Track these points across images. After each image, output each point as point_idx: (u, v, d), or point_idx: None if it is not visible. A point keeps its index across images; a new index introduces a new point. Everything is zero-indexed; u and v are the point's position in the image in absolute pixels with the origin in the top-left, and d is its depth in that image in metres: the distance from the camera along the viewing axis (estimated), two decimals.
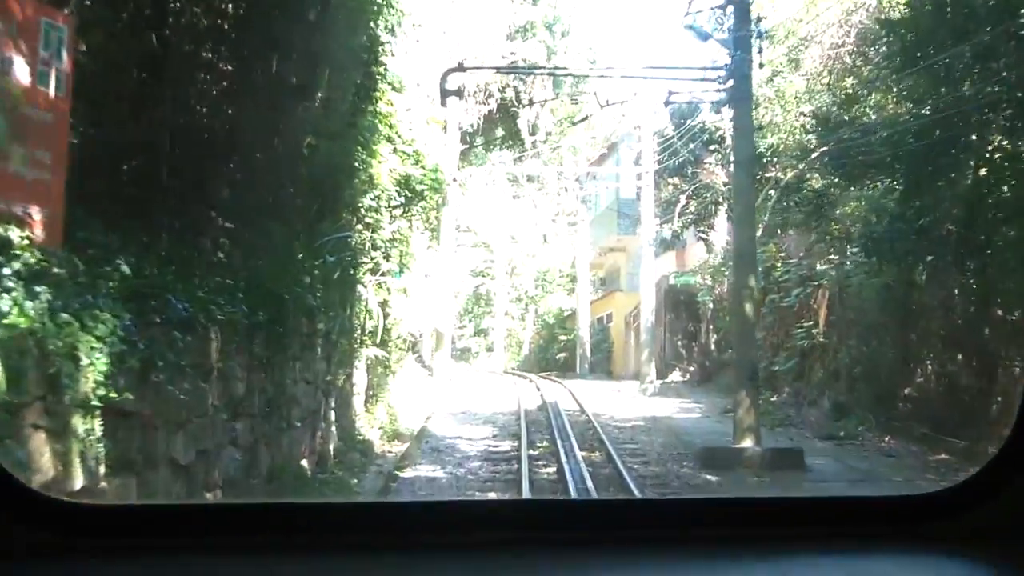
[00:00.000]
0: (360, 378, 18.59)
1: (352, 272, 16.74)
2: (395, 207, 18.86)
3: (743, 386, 15.68)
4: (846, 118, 19.09)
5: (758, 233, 29.31)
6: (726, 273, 29.02)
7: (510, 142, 33.45)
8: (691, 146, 32.82)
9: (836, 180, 20.14)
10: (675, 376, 34.31)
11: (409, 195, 19.01)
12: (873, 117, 18.30)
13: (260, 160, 12.47)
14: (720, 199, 31.22)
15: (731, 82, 15.87)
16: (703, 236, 34.27)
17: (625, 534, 2.26)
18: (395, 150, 18.78)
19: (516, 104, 31.65)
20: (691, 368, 34.20)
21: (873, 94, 18.55)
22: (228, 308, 10.12)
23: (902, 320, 16.82)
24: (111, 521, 2.33)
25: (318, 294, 14.12)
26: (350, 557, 2.13)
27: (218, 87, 12.02)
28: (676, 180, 33.70)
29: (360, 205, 17.53)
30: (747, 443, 15.39)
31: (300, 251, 13.69)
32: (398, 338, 25.46)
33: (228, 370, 10.15)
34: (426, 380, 29.00)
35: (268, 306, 11.45)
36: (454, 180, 28.21)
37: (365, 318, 18.13)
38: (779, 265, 23.98)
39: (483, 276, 66.09)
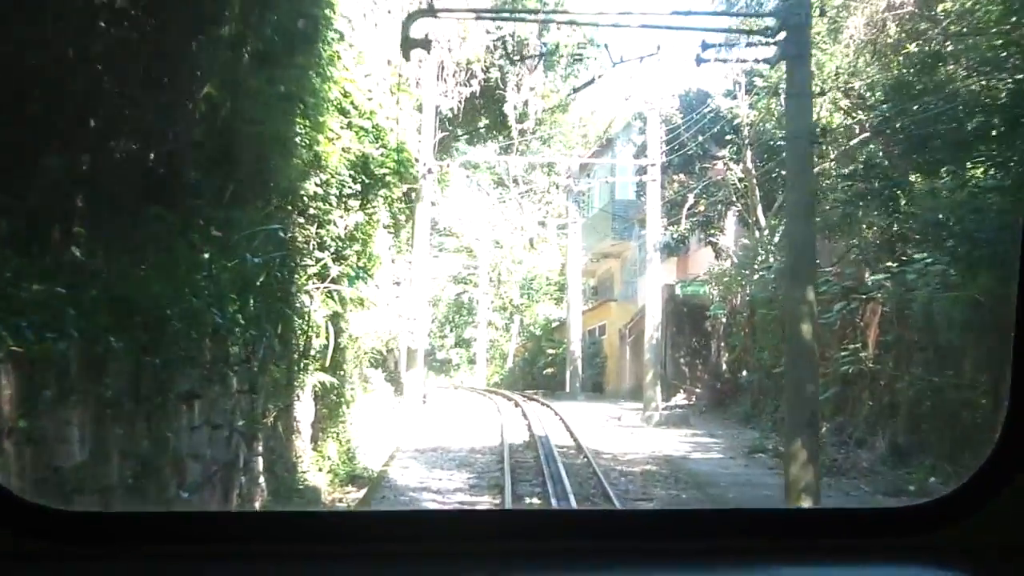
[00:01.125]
0: (305, 411, 14.97)
1: (287, 278, 13.08)
2: (349, 196, 15.20)
3: (797, 433, 12.03)
4: (924, 86, 15.48)
5: (775, 237, 25.89)
6: (742, 283, 25.45)
7: (495, 132, 29.78)
8: (699, 139, 29.29)
9: (905, 164, 16.49)
10: (679, 399, 30.73)
11: (367, 181, 15.37)
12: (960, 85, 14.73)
13: (135, 116, 8.80)
14: (734, 197, 27.67)
15: (783, 34, 12.27)
16: (712, 240, 30.69)
17: (607, 545, 2.29)
18: (349, 124, 15.15)
19: (502, 87, 27.99)
20: (697, 390, 30.59)
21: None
22: (47, 332, 6.55)
23: (992, 345, 13.23)
24: (96, 527, 2.37)
25: (233, 308, 10.50)
26: (333, 566, 2.16)
27: (69, 4, 8.37)
28: (682, 177, 30.10)
29: (301, 192, 13.88)
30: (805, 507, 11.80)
31: (202, 248, 10.02)
32: (361, 356, 21.91)
33: (41, 431, 6.54)
34: (396, 404, 25.30)
35: (132, 326, 7.82)
36: (429, 171, 24.55)
37: (308, 337, 14.48)
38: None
39: (465, 283, 62.46)
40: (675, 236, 30.01)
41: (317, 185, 14.11)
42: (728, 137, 27.03)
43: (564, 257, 55.78)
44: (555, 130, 37.22)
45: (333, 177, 14.59)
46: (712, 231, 30.02)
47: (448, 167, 24.40)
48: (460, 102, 26.79)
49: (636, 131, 33.66)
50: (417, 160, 24.73)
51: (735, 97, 26.90)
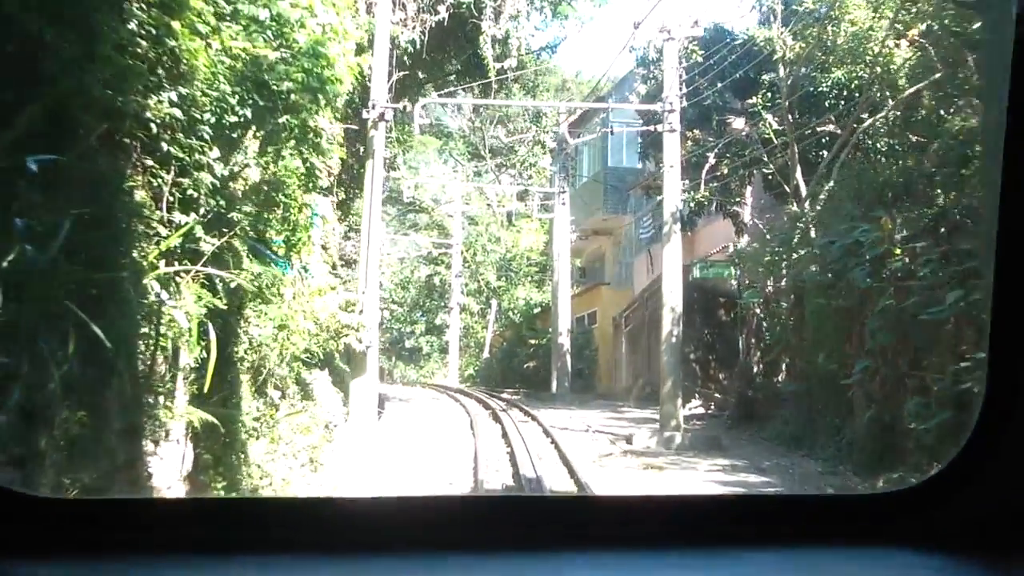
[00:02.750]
0: (166, 466, 9.67)
1: (110, 254, 7.76)
2: (234, 127, 9.81)
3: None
4: None
5: (828, 203, 20.70)
6: (786, 262, 20.23)
7: (468, 79, 24.31)
8: (719, 85, 24.02)
9: None
10: (693, 406, 25.56)
11: (263, 104, 10.01)
12: None
13: None
14: (766, 157, 22.41)
15: None
16: (733, 211, 25.43)
17: (588, 531, 2.30)
18: (234, 14, 9.75)
19: (476, 15, 22.50)
20: (716, 396, 25.40)
21: None
22: None
23: None
24: (82, 515, 2.40)
25: None
26: (317, 555, 2.16)
27: None
28: (696, 133, 24.80)
29: (148, 115, 8.50)
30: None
31: None
32: (274, 368, 16.58)
33: None
34: (342, 421, 19.96)
35: None
36: (382, 117, 19.11)
37: (167, 349, 9.16)
38: (898, 251, 15.19)
39: (437, 264, 57.06)
40: (692, 205, 24.66)
41: (174, 105, 8.72)
42: (765, 77, 21.79)
43: (547, 234, 50.61)
44: (541, 77, 31.75)
45: (204, 95, 9.22)
46: (733, 200, 24.74)
47: (408, 110, 18.91)
48: (424, 34, 21.36)
49: (639, 80, 28.28)
50: (369, 104, 19.33)
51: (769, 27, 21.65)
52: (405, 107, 18.92)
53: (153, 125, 8.72)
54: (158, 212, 8.97)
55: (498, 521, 2.36)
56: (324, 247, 18.08)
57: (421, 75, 23.51)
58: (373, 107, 18.93)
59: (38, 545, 2.18)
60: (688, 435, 18.85)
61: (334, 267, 23.09)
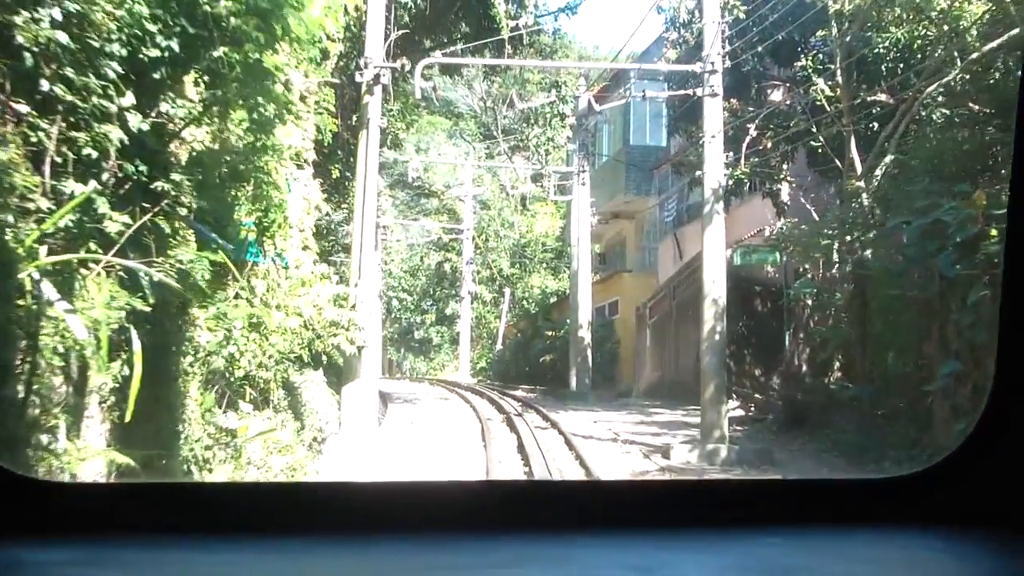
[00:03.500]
0: None
1: None
2: (157, 62, 7.29)
3: None
4: None
5: (896, 178, 18.08)
6: (845, 246, 17.66)
7: (477, 40, 21.70)
8: (760, 49, 21.38)
9: None
10: (731, 408, 22.93)
11: (196, 33, 7.51)
12: None
13: None
14: (815, 128, 19.78)
15: None
16: (774, 190, 22.81)
17: (594, 516, 2.33)
18: None
19: None
20: (755, 396, 22.84)
21: None
22: None
23: None
24: (79, 499, 2.45)
25: None
26: (323, 537, 2.18)
27: None
28: (734, 103, 22.16)
29: (16, 38, 6.04)
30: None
31: None
32: (258, 371, 14.22)
33: None
34: (334, 431, 17.54)
35: None
36: (376, 79, 16.55)
37: (54, 367, 6.71)
38: (995, 232, 12.61)
39: (448, 250, 54.56)
40: (730, 183, 22.00)
41: (59, 26, 6.25)
42: (812, 39, 19.18)
43: (564, 218, 48.05)
44: (558, 50, 29.06)
45: (108, 16, 6.75)
46: (775, 177, 22.11)
47: (406, 69, 16.32)
48: None
49: (667, 45, 25.67)
50: (362, 63, 16.79)
51: None
52: (403, 66, 16.33)
53: (27, 54, 6.24)
54: (37, 177, 6.48)
55: (508, 505, 2.37)
56: (311, 231, 15.60)
57: (426, 42, 20.96)
58: (366, 67, 16.39)
59: (40, 528, 2.18)
60: (734, 448, 16.29)
61: (324, 255, 20.64)
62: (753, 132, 20.86)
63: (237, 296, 12.91)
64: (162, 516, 2.25)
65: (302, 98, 17.22)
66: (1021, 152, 2.30)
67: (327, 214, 18.88)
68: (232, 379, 13.17)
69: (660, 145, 35.88)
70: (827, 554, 2.22)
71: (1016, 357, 2.34)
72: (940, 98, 17.95)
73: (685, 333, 28.42)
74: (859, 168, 18.76)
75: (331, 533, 2.20)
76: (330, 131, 17.77)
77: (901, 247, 14.86)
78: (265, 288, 13.16)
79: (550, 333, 37.96)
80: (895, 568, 2.19)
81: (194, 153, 9.60)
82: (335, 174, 21.39)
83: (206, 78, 8.49)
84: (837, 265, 18.91)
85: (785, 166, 22.89)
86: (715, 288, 17.09)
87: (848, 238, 17.97)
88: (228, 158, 11.69)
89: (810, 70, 19.43)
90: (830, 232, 18.22)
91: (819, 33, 19.36)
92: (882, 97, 19.18)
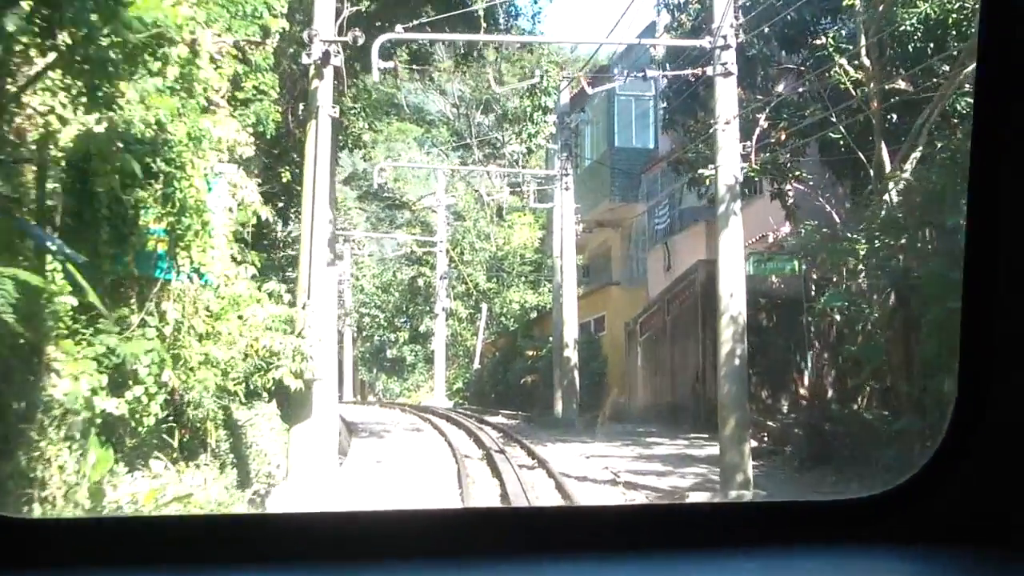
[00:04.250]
0: None
1: None
2: None
3: None
4: None
5: (942, 174, 15.55)
6: (882, 253, 15.14)
7: (447, 28, 19.07)
8: (766, 30, 18.92)
9: None
10: None
11: None
12: None
13: None
14: (836, 117, 17.25)
15: None
16: (781, 189, 20.27)
17: (568, 541, 2.31)
18: None
19: None
20: (767, 424, 20.24)
21: None
22: None
23: None
24: (53, 534, 2.44)
25: None
26: (299, 568, 2.19)
27: None
28: (740, 92, 19.58)
29: None
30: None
31: None
32: (190, 411, 11.70)
33: None
34: (274, 485, 14.86)
35: None
36: (324, 57, 13.84)
37: None
38: None
39: (421, 264, 51.81)
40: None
41: None
42: (846, 2, 16.68)
43: (543, 228, 45.52)
44: (539, 23, 26.39)
45: None
46: (786, 175, 19.55)
47: (356, 42, 13.63)
48: None
49: (663, 30, 23.16)
50: (307, 38, 14.13)
51: None
52: (356, 40, 13.64)
53: None
54: None
55: (480, 531, 2.36)
56: (242, 240, 12.91)
57: (388, 23, 18.30)
58: (311, 42, 13.70)
59: (12, 564, 2.16)
60: (761, 496, 13.67)
61: (274, 270, 17.92)
62: (763, 123, 18.29)
63: (143, 324, 10.22)
64: (134, 550, 2.21)
65: (235, 82, 14.62)
66: (976, 166, 2.33)
67: (271, 222, 16.17)
68: (141, 429, 10.48)
69: (647, 147, 33.43)
70: (799, 574, 2.23)
71: (976, 375, 2.36)
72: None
73: (682, 351, 25.89)
74: (887, 162, 16.28)
75: (304, 563, 2.19)
76: (273, 122, 15.13)
77: (960, 255, 12.34)
78: (180, 313, 10.45)
79: (531, 352, 35.30)
80: None
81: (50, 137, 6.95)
82: (285, 177, 18.71)
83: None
84: (864, 273, 16.41)
85: (798, 162, 20.36)
86: (733, 303, 14.52)
87: (879, 243, 15.46)
88: (121, 145, 9.06)
89: (831, 49, 16.90)
90: (857, 236, 15.68)
91: (843, 2, 16.78)
92: (902, 85, 16.75)
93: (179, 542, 2.27)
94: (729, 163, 14.65)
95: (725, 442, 14.27)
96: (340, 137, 22.39)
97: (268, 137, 15.03)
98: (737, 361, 14.40)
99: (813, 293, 18.31)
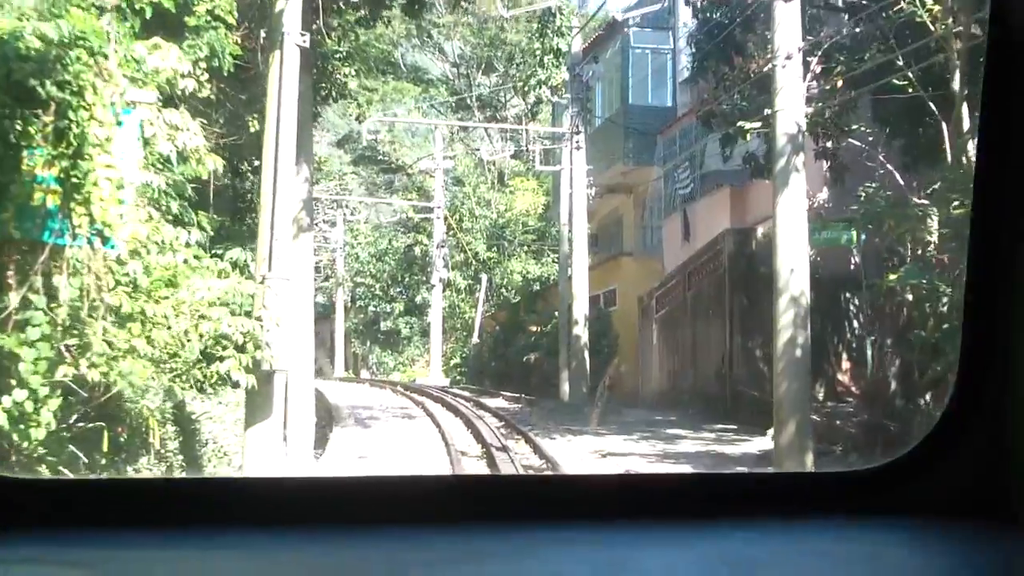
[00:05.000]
0: None
1: None
2: None
3: None
4: None
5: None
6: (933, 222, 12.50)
7: None
8: None
9: None
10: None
11: None
12: None
13: None
14: (906, 59, 14.53)
15: None
16: (827, 148, 17.54)
17: (563, 510, 2.30)
18: None
19: None
20: (812, 418, 17.61)
21: None
22: None
23: None
24: (43, 495, 2.38)
25: None
26: (286, 532, 2.17)
27: None
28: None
29: None
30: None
31: None
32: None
33: None
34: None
35: None
36: None
37: None
38: None
39: (417, 232, 49.18)
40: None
41: None
42: None
43: (546, 195, 42.92)
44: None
45: None
46: (840, 127, 16.81)
47: None
48: None
49: None
50: None
51: None
52: None
53: None
54: None
55: (470, 499, 2.37)
56: (184, 198, 10.29)
57: None
58: None
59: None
60: None
61: (230, 238, 15.31)
62: (816, 67, 15.56)
63: (26, 305, 7.63)
64: (126, 512, 2.21)
65: (186, 6, 11.97)
66: (982, 159, 2.38)
67: (228, 175, 13.58)
68: (29, 444, 7.94)
69: (664, 105, 30.74)
70: (793, 547, 2.24)
71: (977, 352, 2.36)
72: None
73: (705, 331, 23.33)
74: (966, 116, 13.65)
75: (291, 528, 2.16)
76: (231, 56, 12.48)
77: None
78: (79, 288, 7.85)
79: (534, 328, 32.69)
80: (860, 560, 2.19)
81: None
82: (254, 127, 16.03)
83: None
84: (935, 245, 13.81)
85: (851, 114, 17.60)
86: (795, 281, 11.88)
87: (957, 209, 12.83)
88: None
89: None
90: (926, 202, 13.01)
91: None
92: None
93: (163, 503, 2.25)
94: (791, 107, 11.94)
95: (782, 450, 11.73)
96: (323, 85, 19.76)
97: (226, 74, 12.39)
98: (799, 352, 11.78)
99: (872, 267, 15.63)
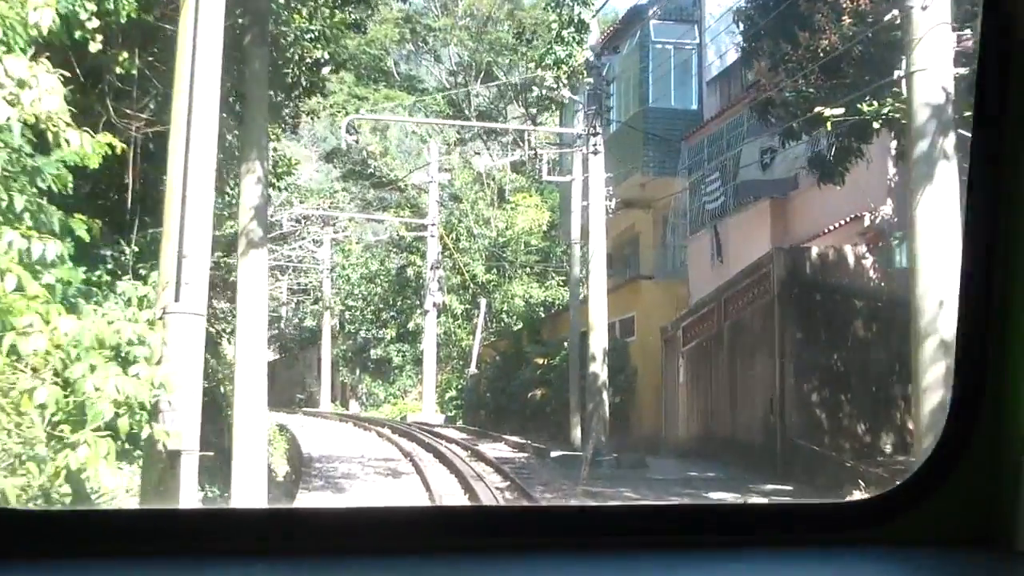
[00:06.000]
0: None
1: None
2: None
3: None
4: None
5: None
6: None
7: None
8: None
9: None
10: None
11: None
12: None
13: None
14: None
15: None
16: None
17: (547, 541, 2.30)
18: None
19: None
20: (870, 470, 14.04)
21: None
22: None
23: None
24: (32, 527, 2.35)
25: None
26: (271, 563, 2.17)
27: None
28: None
29: None
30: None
31: None
32: None
33: None
34: None
35: None
36: None
37: None
38: None
39: (410, 252, 45.66)
40: (841, 140, 13.22)
41: None
42: None
43: (551, 211, 39.56)
44: None
45: None
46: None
47: None
48: None
49: None
50: None
51: None
52: None
53: None
54: None
55: (455, 529, 2.37)
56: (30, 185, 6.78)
57: None
58: None
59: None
60: None
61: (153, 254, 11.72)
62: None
63: None
64: (115, 542, 2.20)
65: None
66: (974, 165, 2.39)
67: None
68: None
69: (688, 108, 27.39)
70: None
71: (973, 377, 2.38)
72: None
73: (747, 369, 19.80)
74: None
75: (271, 558, 2.17)
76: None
77: None
78: None
79: (540, 360, 29.11)
80: None
81: None
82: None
83: None
84: None
85: None
86: (944, 318, 8.30)
87: None
88: None
89: None
90: None
91: None
92: None
93: (162, 534, 2.25)
94: (936, 65, 8.42)
95: None
96: (290, 72, 16.39)
97: (125, 19, 8.90)
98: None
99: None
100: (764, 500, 13.14)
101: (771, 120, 15.76)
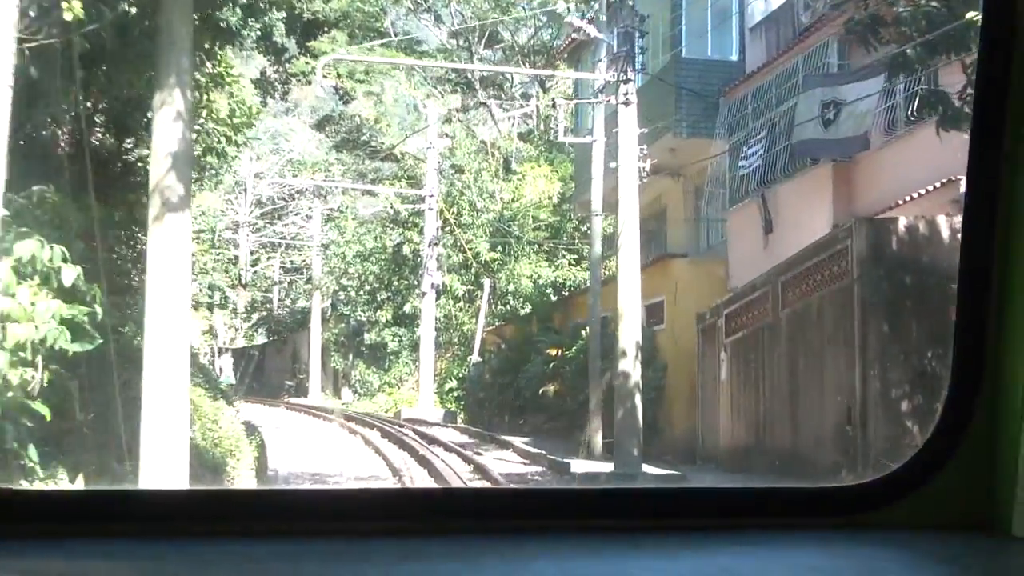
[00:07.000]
0: None
1: None
2: None
3: None
4: None
5: None
6: None
7: None
8: None
9: None
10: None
11: None
12: None
13: None
14: None
15: None
16: None
17: (546, 524, 2.29)
18: None
19: None
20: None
21: None
22: None
23: None
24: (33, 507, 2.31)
25: None
26: (253, 542, 2.17)
27: None
28: None
29: None
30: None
31: None
32: None
33: None
34: None
35: None
36: None
37: None
38: None
39: (407, 228, 42.19)
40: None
41: None
42: None
43: (561, 181, 36.23)
44: None
45: None
46: None
47: None
48: None
49: None
50: None
51: None
52: None
53: None
54: None
55: (452, 511, 2.36)
56: None
57: None
58: None
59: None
60: None
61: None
62: None
63: None
64: (112, 522, 2.18)
65: None
66: (974, 165, 2.39)
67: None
68: None
69: (727, 59, 23.88)
70: (786, 561, 2.21)
71: (971, 361, 2.37)
72: None
73: (814, 368, 16.34)
74: None
75: (255, 539, 2.16)
76: None
77: None
78: None
79: (552, 351, 25.65)
80: (854, 575, 2.19)
81: None
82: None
83: None
84: None
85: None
86: None
87: None
88: None
89: None
90: None
91: None
92: None
93: (156, 514, 2.24)
94: None
95: None
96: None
97: None
98: None
99: None
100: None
101: (873, 47, 12.15)
